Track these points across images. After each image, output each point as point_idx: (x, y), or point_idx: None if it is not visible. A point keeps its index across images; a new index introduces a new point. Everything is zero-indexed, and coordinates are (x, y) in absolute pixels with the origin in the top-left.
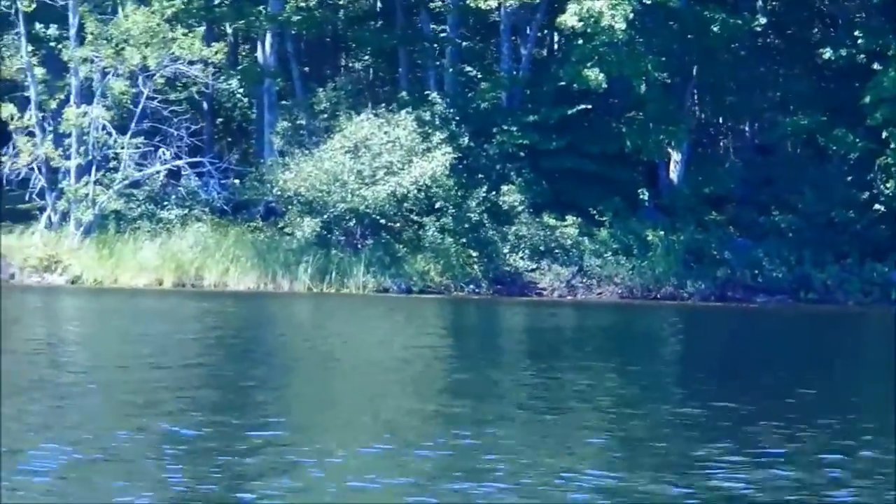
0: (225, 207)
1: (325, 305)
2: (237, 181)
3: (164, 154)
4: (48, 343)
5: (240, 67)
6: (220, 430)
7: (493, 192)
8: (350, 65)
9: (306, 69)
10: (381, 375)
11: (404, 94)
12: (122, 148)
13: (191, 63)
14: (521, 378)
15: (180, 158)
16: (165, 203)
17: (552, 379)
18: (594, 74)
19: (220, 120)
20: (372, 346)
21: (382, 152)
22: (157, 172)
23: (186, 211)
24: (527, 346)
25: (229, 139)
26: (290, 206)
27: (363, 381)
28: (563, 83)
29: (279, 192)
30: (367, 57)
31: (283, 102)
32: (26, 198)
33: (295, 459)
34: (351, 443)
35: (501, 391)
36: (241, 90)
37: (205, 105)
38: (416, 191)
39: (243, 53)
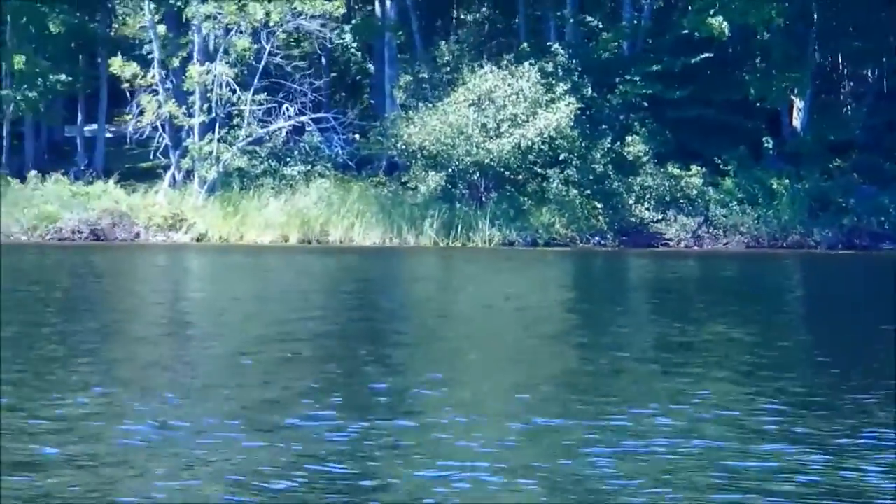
0: (349, 163)
1: (453, 260)
2: (359, 136)
3: (287, 110)
4: (182, 300)
5: (354, 22)
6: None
7: (618, 143)
8: (463, 17)
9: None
10: (521, 331)
11: (525, 45)
12: (246, 105)
13: (312, 18)
14: (696, 332)
15: (304, 114)
16: (288, 160)
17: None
18: (717, 22)
19: (333, 75)
20: (507, 300)
21: (507, 105)
22: (280, 129)
23: (309, 167)
24: (673, 298)
25: (344, 94)
26: (413, 161)
27: (508, 337)
28: (685, 32)
29: (403, 147)
30: (484, 9)
31: (402, 56)
32: (150, 157)
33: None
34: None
35: (696, 346)
36: (354, 45)
37: (323, 60)
38: (540, 143)
39: (357, 7)
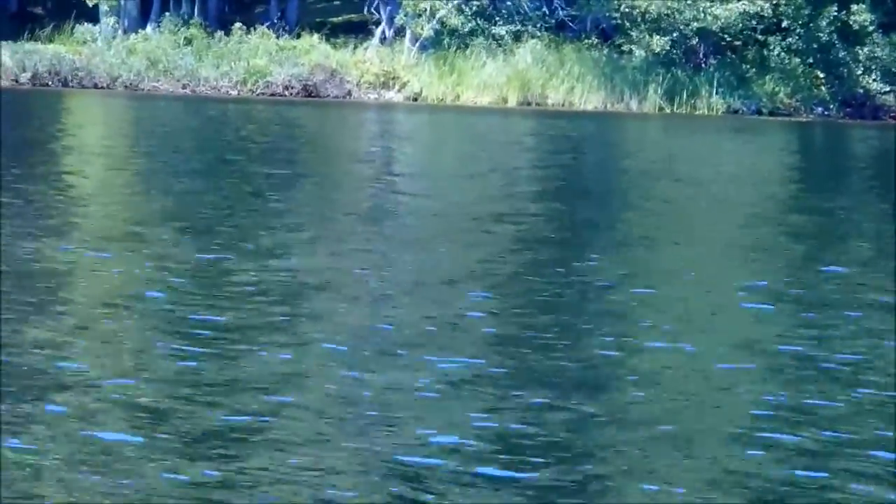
0: (570, 24)
1: (680, 127)
2: None
3: None
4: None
5: None
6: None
7: (843, 11)
8: None
9: None
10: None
11: None
12: None
13: None
14: None
15: None
16: (497, 19)
17: None
18: None
19: None
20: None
21: None
22: None
23: (518, 27)
24: None
25: None
26: (634, 25)
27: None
28: None
29: (627, 10)
30: None
31: None
32: (364, 10)
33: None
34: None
35: None
36: None
37: None
38: (769, 8)
39: None
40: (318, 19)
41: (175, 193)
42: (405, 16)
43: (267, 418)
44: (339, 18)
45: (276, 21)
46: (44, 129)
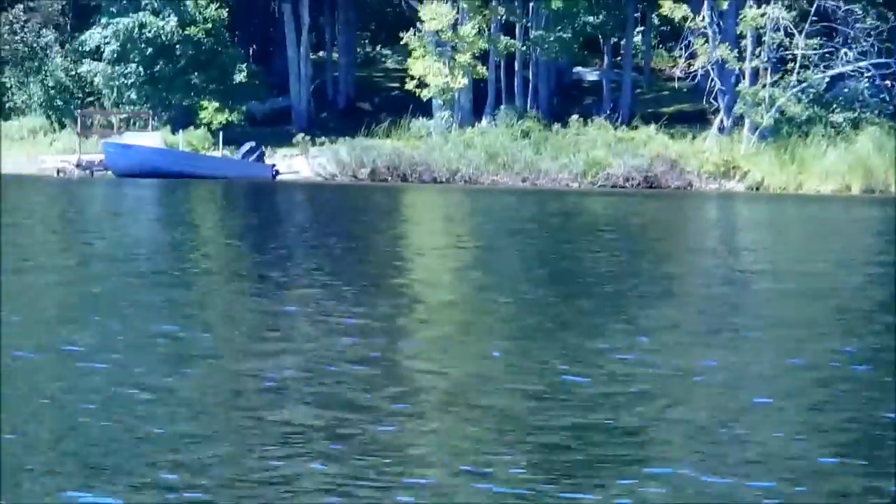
0: None
1: None
2: None
3: (845, 55)
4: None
5: None
6: None
7: None
8: None
9: None
10: None
11: None
12: (799, 49)
13: None
14: None
15: (863, 59)
16: (834, 106)
17: None
18: None
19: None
20: None
21: None
22: (836, 75)
23: (855, 114)
24: None
25: None
26: None
27: None
28: None
29: None
30: None
31: None
32: (697, 100)
33: None
34: None
35: None
36: None
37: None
38: None
39: None
40: (649, 109)
41: (520, 294)
42: (744, 105)
43: None
44: (672, 109)
45: (608, 112)
46: (398, 222)
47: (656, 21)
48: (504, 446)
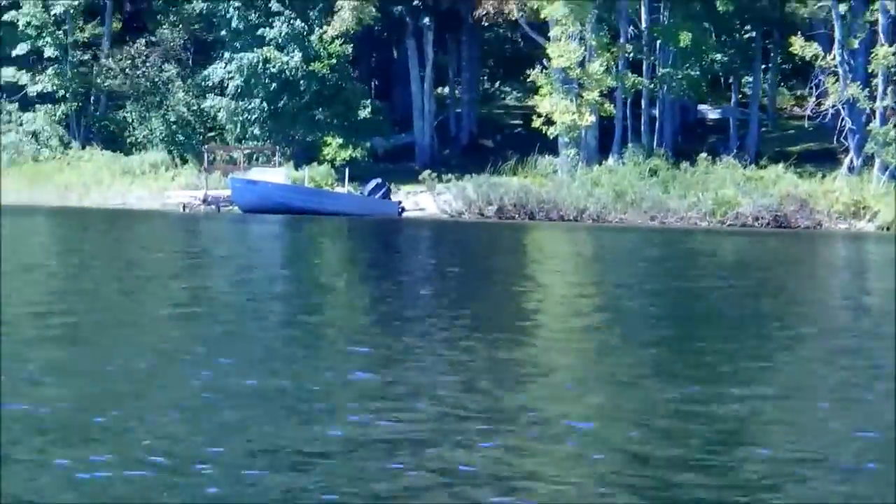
0: None
1: None
2: None
3: None
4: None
5: None
6: None
7: None
8: None
9: None
10: None
11: None
12: None
13: None
14: None
15: None
16: None
17: None
18: None
19: None
20: None
21: None
22: None
23: None
24: None
25: None
26: None
27: None
28: None
29: None
30: None
31: None
32: (833, 140)
33: None
34: None
35: None
36: None
37: None
38: None
39: None
40: (776, 148)
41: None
42: (874, 144)
43: None
44: (799, 147)
45: (735, 150)
46: (541, 261)
47: (778, 60)
48: None
